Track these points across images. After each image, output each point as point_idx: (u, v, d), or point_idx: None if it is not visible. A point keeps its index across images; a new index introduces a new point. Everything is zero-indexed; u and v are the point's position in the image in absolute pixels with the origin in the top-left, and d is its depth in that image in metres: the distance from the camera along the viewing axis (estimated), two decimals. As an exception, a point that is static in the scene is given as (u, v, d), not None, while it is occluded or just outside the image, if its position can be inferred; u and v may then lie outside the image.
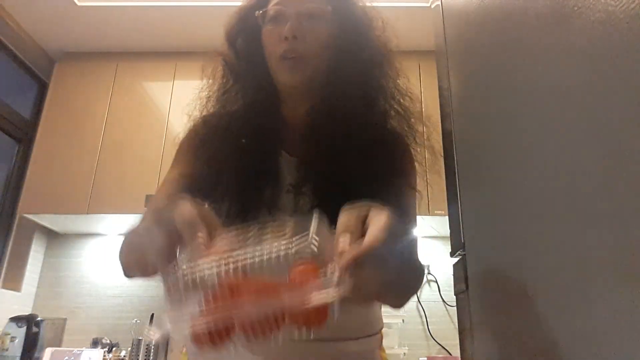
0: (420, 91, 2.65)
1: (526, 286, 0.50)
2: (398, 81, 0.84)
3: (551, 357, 0.44)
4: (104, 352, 2.35)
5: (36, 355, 2.29)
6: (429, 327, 2.53)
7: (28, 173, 2.57)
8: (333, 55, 0.80)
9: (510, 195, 0.56)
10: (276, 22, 0.81)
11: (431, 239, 2.70)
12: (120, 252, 0.70)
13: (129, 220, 2.57)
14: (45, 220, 2.61)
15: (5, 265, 2.54)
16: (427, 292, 2.62)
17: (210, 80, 0.89)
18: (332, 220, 0.70)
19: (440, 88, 0.92)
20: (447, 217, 0.83)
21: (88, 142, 2.59)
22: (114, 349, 2.40)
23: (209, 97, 0.87)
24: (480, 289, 0.67)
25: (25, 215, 2.53)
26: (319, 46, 0.80)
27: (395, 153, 0.80)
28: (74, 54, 2.82)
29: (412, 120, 0.83)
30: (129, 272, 0.70)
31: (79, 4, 2.45)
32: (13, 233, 2.61)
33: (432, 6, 1.00)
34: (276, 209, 0.76)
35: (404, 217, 0.78)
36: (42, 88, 2.86)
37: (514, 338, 0.54)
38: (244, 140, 0.78)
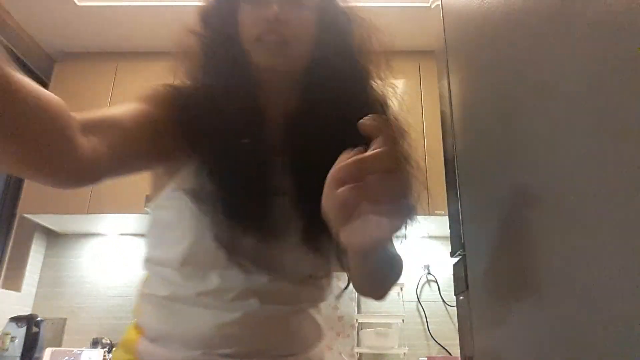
0: (421, 91, 2.65)
1: (527, 286, 0.50)
2: (383, 78, 0.80)
3: (552, 356, 0.44)
4: (104, 352, 2.35)
5: (36, 355, 2.29)
6: (429, 327, 2.53)
7: (28, 173, 2.56)
8: (316, 45, 0.77)
9: (510, 195, 0.56)
10: (257, 3, 0.76)
11: (431, 239, 2.70)
12: None
13: (128, 221, 2.58)
14: (45, 220, 2.61)
15: (5, 265, 2.55)
16: (427, 292, 2.62)
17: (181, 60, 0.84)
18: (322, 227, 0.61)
19: (440, 88, 0.92)
20: (447, 217, 0.83)
21: (88, 142, 2.59)
22: (114, 349, 2.40)
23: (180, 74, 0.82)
24: (481, 289, 0.67)
25: (25, 215, 2.53)
26: (304, 33, 0.76)
27: None
28: (74, 54, 2.82)
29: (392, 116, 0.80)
30: None
31: (79, 4, 2.45)
32: (13, 233, 2.61)
33: (432, 6, 1.00)
34: (270, 212, 0.71)
35: None
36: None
37: (514, 338, 0.54)
38: (225, 137, 0.73)
